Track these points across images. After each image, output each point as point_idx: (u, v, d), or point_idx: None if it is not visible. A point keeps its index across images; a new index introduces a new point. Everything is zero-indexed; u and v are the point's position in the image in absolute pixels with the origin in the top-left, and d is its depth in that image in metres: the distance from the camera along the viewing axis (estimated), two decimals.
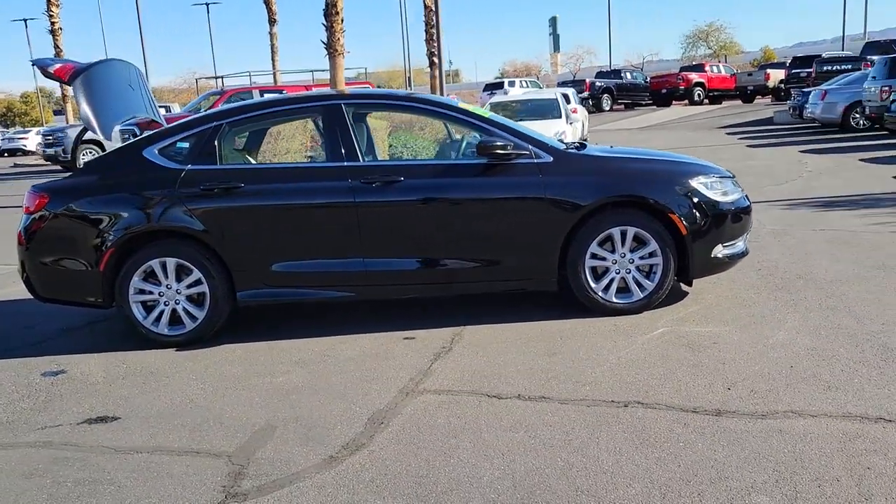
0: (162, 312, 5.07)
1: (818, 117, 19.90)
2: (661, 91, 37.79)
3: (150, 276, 5.06)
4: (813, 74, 26.96)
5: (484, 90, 36.20)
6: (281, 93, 18.26)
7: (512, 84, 36.29)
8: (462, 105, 5.30)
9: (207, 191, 4.99)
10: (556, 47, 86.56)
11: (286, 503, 3.00)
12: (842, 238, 7.08)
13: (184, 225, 4.99)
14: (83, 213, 5.06)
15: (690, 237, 5.03)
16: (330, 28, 14.19)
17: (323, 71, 29.76)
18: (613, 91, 37.53)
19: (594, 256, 5.08)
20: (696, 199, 5.06)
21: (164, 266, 5.02)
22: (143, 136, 5.32)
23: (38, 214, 5.10)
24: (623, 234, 5.05)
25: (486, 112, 5.32)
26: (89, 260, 5.04)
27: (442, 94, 19.87)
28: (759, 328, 4.71)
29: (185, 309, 5.08)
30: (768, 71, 36.62)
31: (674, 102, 37.92)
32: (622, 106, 38.43)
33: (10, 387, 4.56)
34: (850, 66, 25.67)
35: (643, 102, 38.94)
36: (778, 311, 5.02)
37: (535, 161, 5.04)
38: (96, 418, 3.98)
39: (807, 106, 20.56)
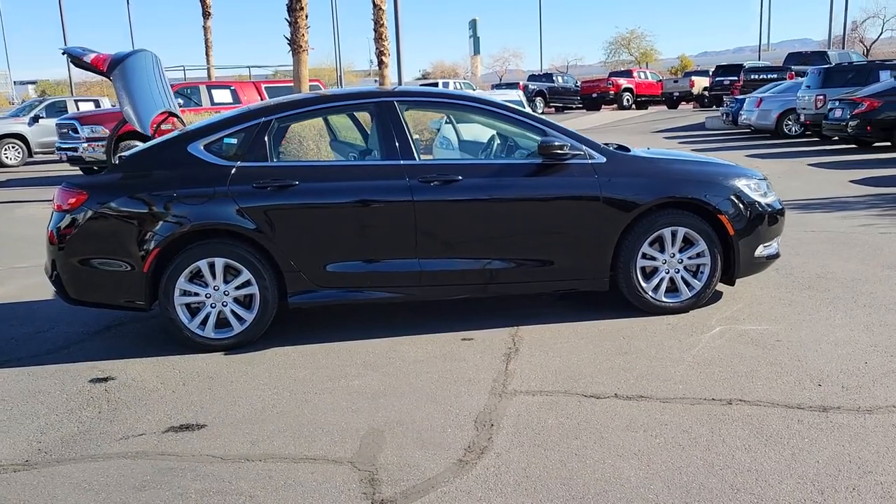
0: (208, 315, 4.86)
1: (753, 123, 20.73)
2: (592, 95, 38.65)
3: (195, 277, 4.84)
4: (741, 82, 28.19)
5: None
6: (230, 88, 17.81)
7: (446, 85, 36.34)
8: (513, 105, 5.26)
9: (260, 188, 4.80)
10: (476, 50, 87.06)
11: None
12: (838, 239, 7.39)
13: (235, 224, 4.78)
14: (126, 211, 4.79)
15: (737, 237, 5.16)
16: (294, 24, 13.85)
17: (259, 67, 29.27)
18: (546, 94, 38.14)
19: (644, 256, 5.15)
20: (742, 201, 5.20)
21: (211, 266, 4.81)
22: (188, 129, 5.08)
23: (75, 212, 4.80)
24: (673, 235, 5.13)
25: (537, 112, 5.30)
26: (132, 261, 4.77)
27: None
28: (811, 326, 4.87)
29: (232, 311, 4.88)
30: (693, 78, 38.02)
31: (603, 107, 38.84)
32: (552, 109, 39.05)
33: (60, 395, 4.28)
34: (775, 76, 26.98)
35: (573, 106, 39.71)
36: (820, 310, 5.20)
37: (590, 161, 5.07)
38: (180, 426, 3.78)
39: (742, 112, 21.42)
